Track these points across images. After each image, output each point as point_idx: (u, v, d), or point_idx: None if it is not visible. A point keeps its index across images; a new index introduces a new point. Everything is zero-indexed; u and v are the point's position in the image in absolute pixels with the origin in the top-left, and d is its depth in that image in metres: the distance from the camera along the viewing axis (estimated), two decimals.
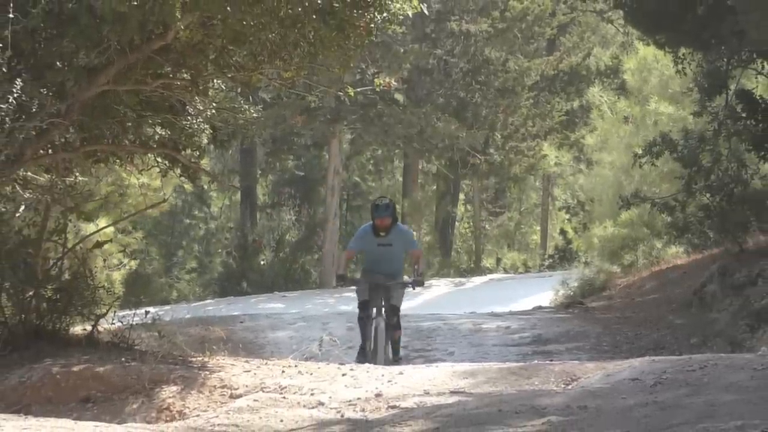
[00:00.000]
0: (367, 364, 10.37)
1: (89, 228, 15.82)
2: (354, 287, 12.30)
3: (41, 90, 9.03)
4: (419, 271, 12.00)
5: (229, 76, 10.42)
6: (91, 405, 9.10)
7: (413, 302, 24.94)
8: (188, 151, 10.92)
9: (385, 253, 11.67)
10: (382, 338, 11.34)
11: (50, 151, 10.04)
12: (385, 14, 9.36)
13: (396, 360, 11.58)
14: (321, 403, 8.22)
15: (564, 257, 32.73)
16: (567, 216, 36.70)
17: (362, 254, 12.27)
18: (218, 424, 7.81)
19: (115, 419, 8.49)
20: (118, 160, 11.29)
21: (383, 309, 11.52)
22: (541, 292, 22.72)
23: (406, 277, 12.18)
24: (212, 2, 8.74)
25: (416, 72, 29.95)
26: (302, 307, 22.71)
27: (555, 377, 7.89)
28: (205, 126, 10.68)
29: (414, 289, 12.04)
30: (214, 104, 10.60)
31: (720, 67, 18.49)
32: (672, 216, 18.55)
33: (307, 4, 8.78)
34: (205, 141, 11.07)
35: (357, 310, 11.96)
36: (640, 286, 20.13)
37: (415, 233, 13.12)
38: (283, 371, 9.48)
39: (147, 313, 11.53)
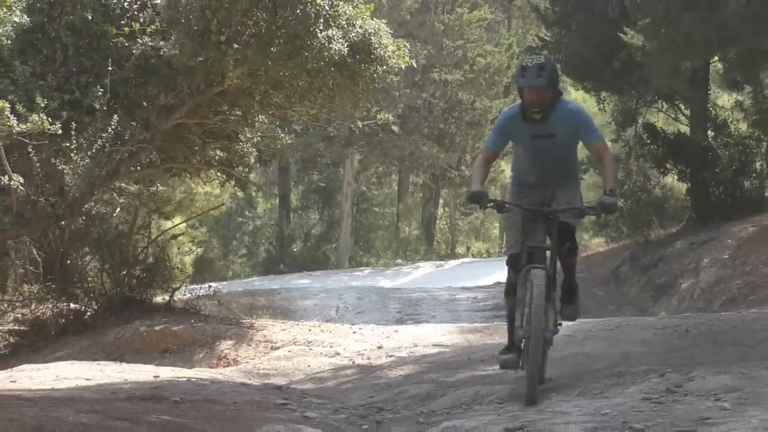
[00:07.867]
0: (371, 325, 10.22)
1: (167, 224, 15.80)
2: (497, 210, 5.20)
3: (132, 123, 9.04)
4: (610, 184, 4.97)
5: (270, 113, 10.43)
6: (168, 355, 9.12)
7: (405, 279, 24.92)
8: (240, 168, 10.93)
9: (545, 149, 5.10)
10: (539, 300, 4.75)
11: (138, 168, 10.04)
12: (384, 67, 9.37)
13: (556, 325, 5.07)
14: (337, 353, 8.22)
15: None
16: None
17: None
18: (262, 368, 7.82)
19: (186, 365, 8.50)
20: (188, 174, 11.30)
21: (548, 252, 4.99)
22: (500, 272, 22.53)
23: (597, 199, 5.08)
24: (257, 59, 8.75)
25: (407, 110, 29.88)
26: (323, 282, 22.64)
27: None
28: (253, 149, 10.69)
29: (600, 216, 4.79)
30: (259, 134, 10.62)
31: (631, 106, 18.62)
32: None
33: (327, 59, 8.77)
34: (253, 160, 11.09)
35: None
36: None
37: None
38: (309, 330, 9.48)
39: (210, 287, 11.57)
